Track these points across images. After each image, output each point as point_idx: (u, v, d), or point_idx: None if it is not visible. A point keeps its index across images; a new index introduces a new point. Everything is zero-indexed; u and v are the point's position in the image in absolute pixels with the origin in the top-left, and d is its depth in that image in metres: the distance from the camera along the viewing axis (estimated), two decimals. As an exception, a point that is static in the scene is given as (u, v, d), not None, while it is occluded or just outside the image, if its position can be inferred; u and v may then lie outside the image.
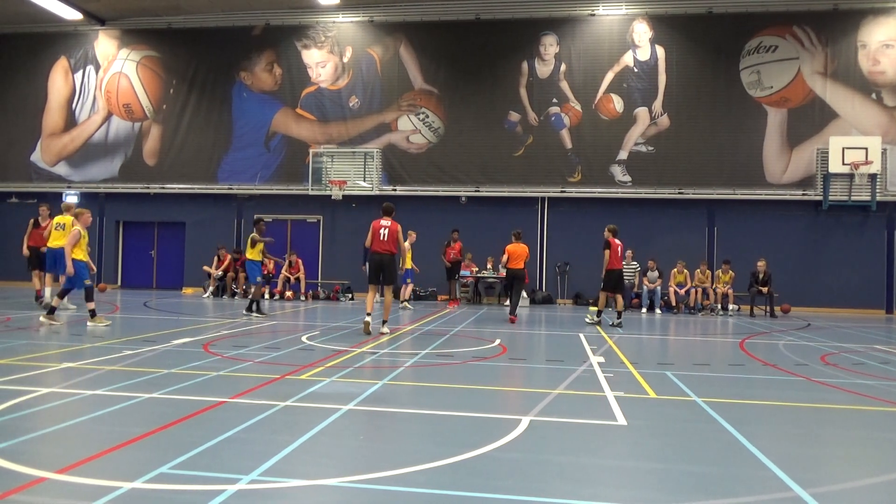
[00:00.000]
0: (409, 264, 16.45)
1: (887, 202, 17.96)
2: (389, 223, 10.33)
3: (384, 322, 10.34)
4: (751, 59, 18.50)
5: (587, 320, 13.10)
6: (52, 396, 5.37)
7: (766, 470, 3.94)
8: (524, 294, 18.16)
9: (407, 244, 16.35)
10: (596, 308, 12.75)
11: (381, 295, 10.37)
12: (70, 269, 10.18)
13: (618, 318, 12.66)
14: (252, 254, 13.21)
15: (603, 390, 6.18)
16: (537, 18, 19.34)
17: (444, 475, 3.72)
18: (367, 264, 10.62)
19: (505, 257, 13.78)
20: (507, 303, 18.02)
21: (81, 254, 10.43)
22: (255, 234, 13.29)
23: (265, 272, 18.60)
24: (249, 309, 13.00)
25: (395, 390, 6.06)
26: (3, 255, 20.32)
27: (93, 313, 10.29)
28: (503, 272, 17.94)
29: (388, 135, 19.80)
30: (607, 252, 12.61)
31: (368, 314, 10.25)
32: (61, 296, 10.86)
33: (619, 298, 13.02)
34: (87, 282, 10.39)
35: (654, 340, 10.96)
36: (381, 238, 10.25)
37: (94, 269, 11.31)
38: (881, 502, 3.58)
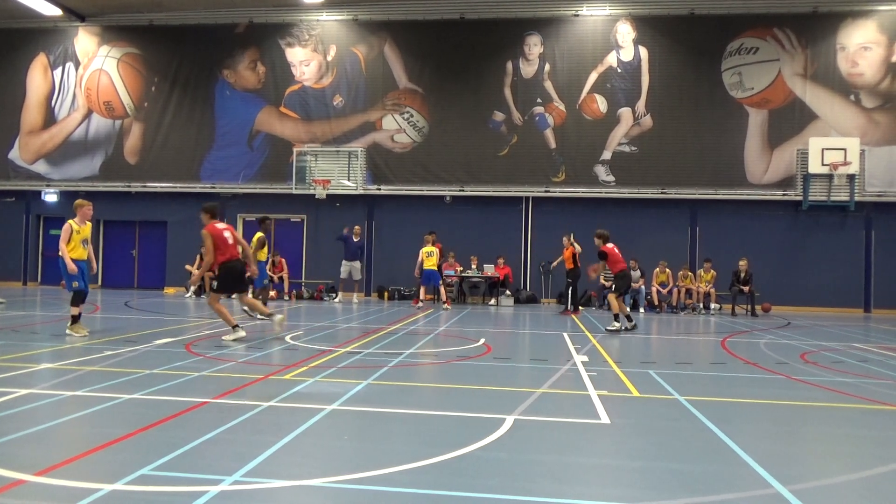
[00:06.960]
0: (431, 265, 16.23)
1: (865, 202, 18.22)
2: (225, 225, 9.16)
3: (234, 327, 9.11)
4: (732, 60, 18.68)
5: (610, 328, 11.85)
6: (31, 398, 5.30)
7: (747, 467, 3.98)
8: (508, 293, 18.22)
9: (431, 247, 16.38)
10: (581, 308, 12.72)
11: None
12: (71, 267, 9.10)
13: (629, 321, 12.01)
14: (262, 255, 12.97)
15: (587, 389, 6.21)
16: (522, 18, 19.39)
17: (429, 475, 3.72)
18: (220, 275, 9.16)
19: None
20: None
21: (78, 252, 9.29)
22: (261, 235, 13.02)
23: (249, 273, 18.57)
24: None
25: (379, 390, 6.04)
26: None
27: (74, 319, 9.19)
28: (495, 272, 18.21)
29: (372, 134, 19.74)
30: (604, 263, 12.16)
31: (236, 326, 9.04)
32: (73, 303, 9.27)
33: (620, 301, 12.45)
34: (75, 284, 9.22)
35: (637, 339, 11.02)
36: (231, 243, 9.04)
37: (94, 268, 9.86)
38: (860, 498, 3.63)
